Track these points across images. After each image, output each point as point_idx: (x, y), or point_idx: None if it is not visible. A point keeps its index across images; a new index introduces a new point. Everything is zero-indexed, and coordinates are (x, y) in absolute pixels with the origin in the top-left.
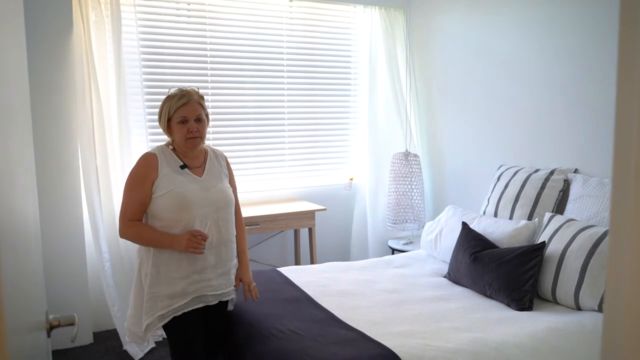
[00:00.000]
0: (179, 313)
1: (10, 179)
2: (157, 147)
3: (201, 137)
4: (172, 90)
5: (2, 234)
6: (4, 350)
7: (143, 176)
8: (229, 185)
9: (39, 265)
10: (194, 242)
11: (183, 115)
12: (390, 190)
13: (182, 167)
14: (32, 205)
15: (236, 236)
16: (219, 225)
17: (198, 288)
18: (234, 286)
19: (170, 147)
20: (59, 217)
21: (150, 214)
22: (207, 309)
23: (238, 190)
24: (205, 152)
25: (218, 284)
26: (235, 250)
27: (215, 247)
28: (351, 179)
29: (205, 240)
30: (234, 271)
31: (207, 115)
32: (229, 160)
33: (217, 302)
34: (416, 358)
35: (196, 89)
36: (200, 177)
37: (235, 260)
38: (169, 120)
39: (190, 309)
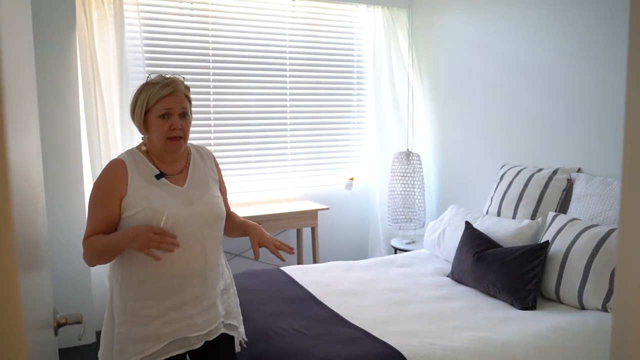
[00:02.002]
0: None
1: (23, 180)
2: (127, 151)
3: (185, 137)
4: (152, 77)
5: (19, 234)
6: (22, 347)
7: (108, 190)
8: (218, 194)
9: (47, 262)
10: (155, 240)
11: (167, 107)
12: (391, 190)
13: (159, 176)
14: (40, 204)
15: (227, 217)
16: (205, 247)
17: (177, 329)
18: (254, 257)
19: (144, 148)
20: (63, 216)
21: None
22: (190, 354)
23: (239, 190)
24: (188, 153)
25: (203, 322)
26: (222, 272)
27: (198, 275)
28: (351, 179)
29: (173, 238)
30: (221, 300)
31: (191, 112)
32: (229, 161)
33: (202, 344)
34: (421, 357)
35: (182, 78)
36: (182, 186)
37: (221, 285)
38: (146, 112)
39: (167, 356)
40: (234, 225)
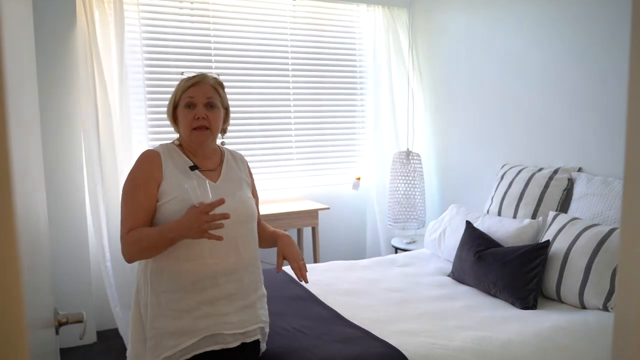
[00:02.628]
0: (189, 356)
1: (24, 179)
2: (160, 145)
3: (211, 128)
4: (187, 74)
5: (20, 233)
6: (24, 346)
7: (145, 177)
8: (250, 195)
9: (48, 262)
10: (209, 220)
11: (190, 96)
12: (391, 190)
13: (192, 168)
14: (41, 205)
15: (257, 225)
16: (238, 245)
17: (211, 324)
18: (276, 269)
19: (177, 142)
20: (63, 215)
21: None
22: (225, 353)
23: None
24: (222, 154)
25: (239, 321)
26: (260, 277)
27: (232, 273)
28: (358, 179)
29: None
30: (261, 305)
31: (226, 108)
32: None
33: (238, 343)
34: (422, 356)
35: (216, 75)
36: (215, 182)
37: (263, 291)
38: (175, 107)
39: (201, 351)
40: (265, 235)
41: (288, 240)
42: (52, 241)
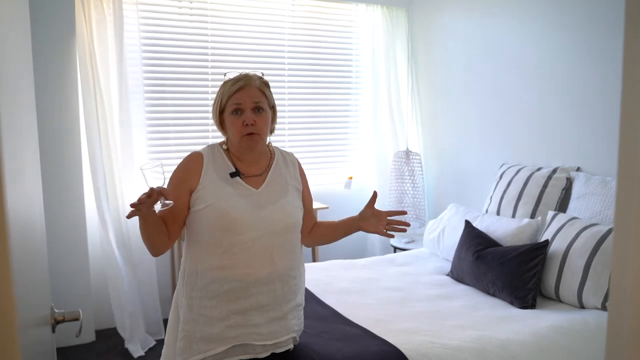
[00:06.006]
0: None
1: (18, 176)
2: (208, 145)
3: (259, 133)
4: (229, 75)
5: (11, 231)
6: (15, 345)
7: (179, 180)
8: (297, 203)
9: (44, 260)
10: (140, 200)
11: (237, 102)
12: (391, 189)
13: (233, 174)
14: (37, 202)
15: (317, 226)
16: (273, 256)
17: (241, 334)
18: (387, 229)
19: (224, 147)
20: (62, 214)
21: (188, 230)
22: None
23: None
24: (271, 156)
25: (269, 332)
26: (297, 287)
27: (265, 283)
28: (350, 178)
29: (147, 200)
30: (293, 315)
31: (273, 108)
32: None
33: (268, 354)
34: (421, 355)
35: (260, 74)
36: (257, 189)
37: (298, 301)
38: (221, 112)
39: (231, 359)
40: (334, 228)
41: (361, 219)
42: (51, 240)
